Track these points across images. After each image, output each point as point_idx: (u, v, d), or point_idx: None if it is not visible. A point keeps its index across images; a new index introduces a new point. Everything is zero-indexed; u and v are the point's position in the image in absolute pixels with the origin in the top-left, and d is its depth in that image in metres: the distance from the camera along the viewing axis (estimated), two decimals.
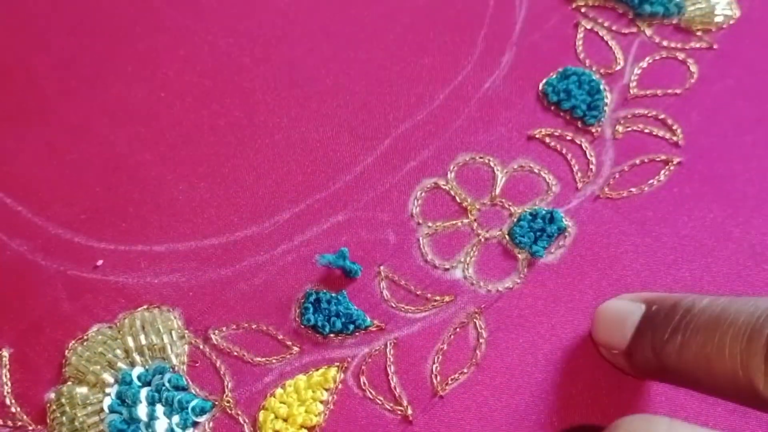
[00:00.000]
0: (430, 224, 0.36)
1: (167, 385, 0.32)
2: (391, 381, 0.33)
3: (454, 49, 0.42)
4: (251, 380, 0.33)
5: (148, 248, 0.36)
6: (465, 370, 0.33)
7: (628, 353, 0.29)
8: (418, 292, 0.34)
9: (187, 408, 0.32)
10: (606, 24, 0.42)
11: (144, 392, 0.32)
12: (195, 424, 0.32)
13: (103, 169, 0.39)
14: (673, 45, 0.41)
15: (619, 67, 0.41)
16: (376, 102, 0.40)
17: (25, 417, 0.33)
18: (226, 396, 0.33)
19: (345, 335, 0.33)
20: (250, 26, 0.43)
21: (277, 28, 0.43)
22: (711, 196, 0.36)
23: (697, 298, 0.27)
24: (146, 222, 0.37)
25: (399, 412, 0.32)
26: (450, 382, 0.32)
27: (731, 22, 0.42)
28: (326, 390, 0.32)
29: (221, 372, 0.33)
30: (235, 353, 0.33)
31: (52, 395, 0.33)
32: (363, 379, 0.33)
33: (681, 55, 0.41)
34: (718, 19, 0.42)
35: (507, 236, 0.36)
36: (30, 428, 0.32)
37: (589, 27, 0.42)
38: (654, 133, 0.38)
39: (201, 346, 0.34)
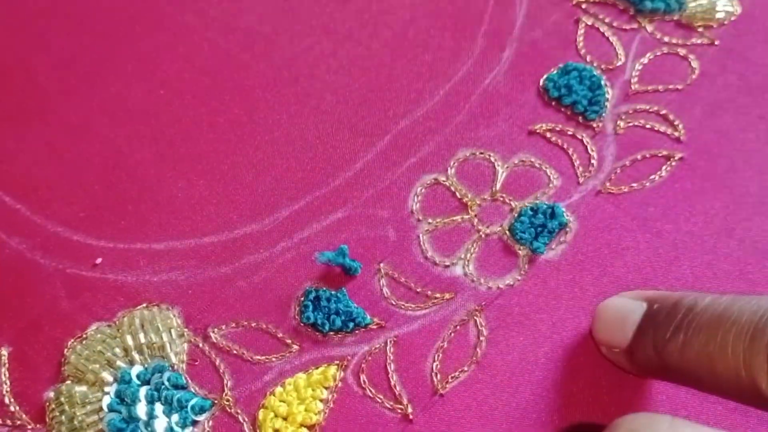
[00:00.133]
0: (430, 220, 0.36)
1: (166, 383, 0.32)
2: (391, 379, 0.32)
3: (454, 45, 0.42)
4: (251, 379, 0.33)
5: (147, 246, 0.36)
6: (465, 368, 0.33)
7: (629, 352, 0.29)
8: (418, 290, 0.34)
9: (186, 407, 0.32)
10: (607, 20, 0.42)
11: (143, 391, 0.32)
12: (194, 422, 0.32)
13: (103, 168, 0.39)
14: (674, 41, 0.41)
15: (620, 63, 0.40)
16: (376, 98, 0.40)
17: (24, 416, 0.33)
18: (226, 394, 0.32)
19: (345, 333, 0.33)
20: (250, 24, 0.43)
21: (276, 26, 0.43)
22: (713, 192, 0.36)
23: (699, 297, 0.27)
24: (145, 220, 0.37)
25: (399, 411, 0.32)
26: (450, 380, 0.32)
27: (732, 18, 0.42)
28: (326, 388, 0.32)
29: (221, 370, 0.33)
30: (235, 351, 0.33)
31: (51, 394, 0.33)
32: (363, 377, 0.33)
33: (682, 51, 0.41)
34: (720, 15, 0.42)
35: (508, 232, 0.35)
36: (29, 427, 0.32)
37: (590, 23, 0.42)
38: (655, 129, 0.38)
39: (200, 345, 0.34)
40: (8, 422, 0.33)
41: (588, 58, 0.41)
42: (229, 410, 0.32)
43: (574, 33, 0.42)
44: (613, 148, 0.38)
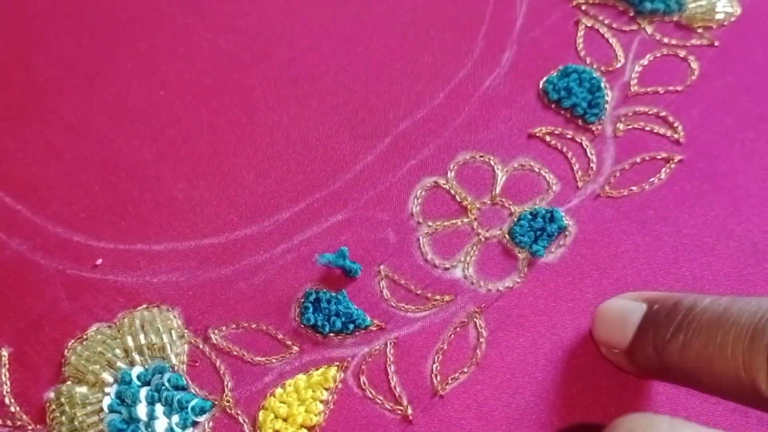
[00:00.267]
0: (430, 223, 0.36)
1: (167, 384, 0.32)
2: (391, 380, 0.32)
3: (454, 47, 0.42)
4: (251, 380, 0.33)
5: (147, 247, 0.36)
6: (465, 370, 0.33)
7: (629, 352, 0.29)
8: (418, 292, 0.34)
9: (186, 407, 0.32)
10: (606, 21, 0.42)
11: (143, 392, 0.32)
12: (195, 423, 0.32)
13: (103, 168, 0.39)
14: (674, 42, 0.41)
15: (619, 65, 0.41)
16: (376, 100, 0.40)
17: (24, 416, 0.33)
18: (226, 395, 0.32)
19: (345, 335, 0.33)
20: (250, 24, 0.43)
21: (277, 27, 0.43)
22: (712, 194, 0.36)
23: (698, 298, 0.27)
24: (145, 221, 0.37)
25: (399, 412, 0.32)
26: (450, 381, 0.32)
27: (732, 19, 0.42)
28: (326, 389, 0.32)
29: (221, 371, 0.33)
30: (235, 353, 0.33)
31: (52, 395, 0.33)
32: (363, 378, 0.33)
33: (682, 53, 0.41)
34: (719, 16, 0.42)
35: (507, 235, 0.35)
36: (29, 428, 0.32)
37: (589, 24, 0.42)
38: (655, 131, 0.38)
39: (201, 346, 0.34)
40: (9, 423, 0.33)
41: (588, 60, 0.41)
42: (229, 411, 0.32)
43: (574, 34, 0.42)
44: (612, 151, 0.38)
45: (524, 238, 0.35)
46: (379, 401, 0.32)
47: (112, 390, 0.33)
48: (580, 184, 0.37)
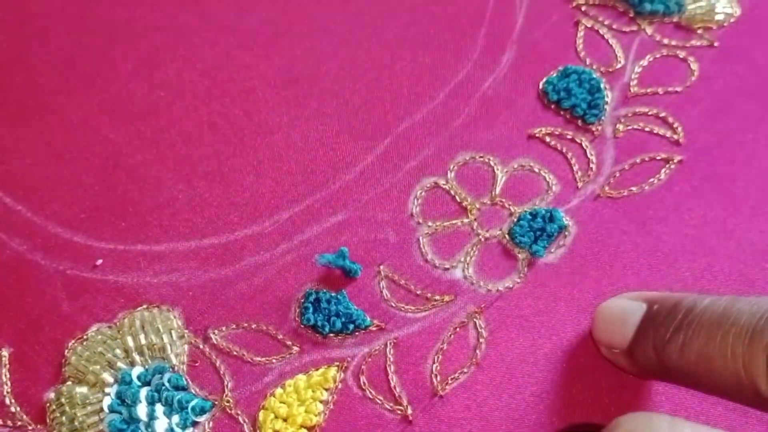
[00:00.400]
0: (430, 224, 0.36)
1: (167, 384, 0.32)
2: (390, 381, 0.32)
3: (454, 48, 0.42)
4: (251, 380, 0.33)
5: (147, 248, 0.36)
6: (465, 370, 0.33)
7: (629, 352, 0.29)
8: (418, 292, 0.34)
9: (186, 408, 0.32)
10: (606, 22, 0.42)
11: (144, 392, 0.32)
12: (195, 423, 0.32)
13: (103, 168, 0.39)
14: (673, 43, 0.41)
15: (619, 66, 0.41)
16: (376, 101, 0.40)
17: (24, 416, 0.33)
18: (226, 396, 0.32)
19: (345, 335, 0.33)
20: (250, 25, 0.43)
21: (277, 27, 0.43)
22: (712, 195, 0.36)
23: (698, 298, 0.27)
24: (146, 221, 0.37)
25: (399, 412, 0.32)
26: (450, 381, 0.32)
27: (732, 20, 0.42)
28: (326, 390, 0.32)
29: (221, 372, 0.33)
30: (235, 353, 0.33)
31: (52, 395, 0.33)
32: (363, 378, 0.33)
33: (682, 53, 0.41)
34: (719, 17, 0.42)
35: (507, 236, 0.35)
36: (30, 428, 0.32)
37: (589, 25, 0.42)
38: (655, 132, 0.38)
39: (201, 346, 0.34)
40: (9, 423, 0.33)
41: (587, 61, 0.41)
42: (229, 411, 0.32)
43: (574, 35, 0.42)
44: (612, 152, 0.38)
45: (524, 238, 0.35)
46: (379, 401, 0.32)
47: (112, 390, 0.33)
48: (579, 184, 0.37)
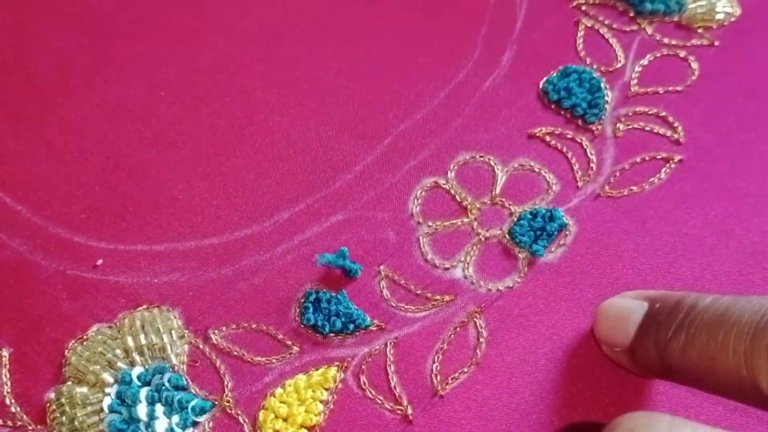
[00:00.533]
0: (430, 223, 0.36)
1: (167, 384, 0.32)
2: (391, 380, 0.32)
3: (454, 48, 0.42)
4: (251, 380, 0.33)
5: (147, 248, 0.36)
6: (465, 370, 0.33)
7: (630, 351, 0.29)
8: (418, 292, 0.34)
9: (186, 408, 0.32)
10: (607, 22, 0.42)
11: (144, 392, 0.32)
12: (195, 423, 0.32)
13: (103, 169, 0.39)
14: (674, 43, 0.41)
15: (619, 65, 0.41)
16: (377, 101, 0.40)
17: (24, 417, 0.33)
18: (226, 396, 0.32)
19: (345, 335, 0.33)
20: (250, 25, 0.43)
21: (277, 27, 0.43)
22: (712, 194, 0.36)
23: (700, 297, 0.27)
24: (146, 221, 0.37)
25: (399, 412, 0.32)
26: (450, 381, 0.32)
27: (732, 19, 0.42)
28: (326, 390, 0.32)
29: (221, 372, 0.33)
30: (235, 353, 0.33)
31: (52, 395, 0.33)
32: (363, 378, 0.33)
33: (682, 53, 0.41)
34: (719, 16, 0.42)
35: (507, 235, 0.35)
36: (30, 428, 0.32)
37: (589, 25, 0.42)
38: (655, 131, 0.38)
39: (201, 346, 0.34)
40: (9, 423, 0.33)
41: (588, 60, 0.41)
42: (229, 411, 0.32)
43: (574, 35, 0.42)
44: (612, 151, 0.38)
45: (524, 237, 0.35)
46: (379, 401, 0.32)
47: (112, 390, 0.33)
48: (580, 183, 0.37)
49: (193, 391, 0.33)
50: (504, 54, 0.41)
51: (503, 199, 0.36)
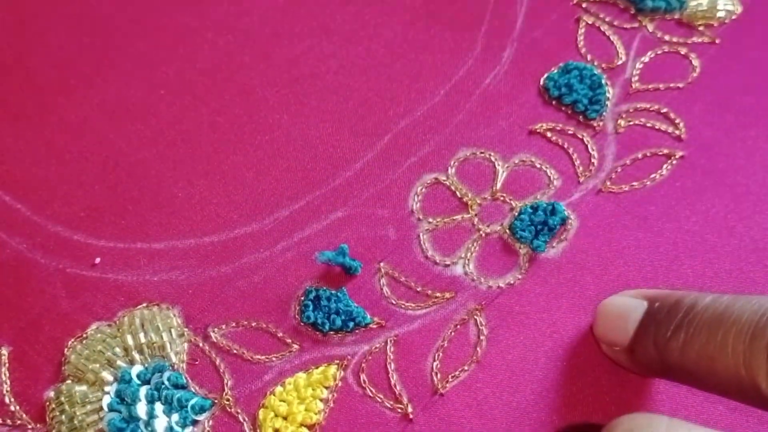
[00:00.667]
0: (430, 220, 0.36)
1: (167, 383, 0.32)
2: (391, 378, 0.32)
3: (454, 45, 0.42)
4: (251, 378, 0.33)
5: (147, 246, 0.36)
6: (465, 368, 0.32)
7: (630, 350, 0.29)
8: (418, 289, 0.34)
9: (186, 406, 0.32)
10: (608, 19, 0.42)
11: (143, 390, 0.32)
12: (194, 422, 0.32)
13: (102, 167, 0.39)
14: (675, 40, 0.41)
15: (620, 62, 0.40)
16: (376, 98, 0.40)
17: (24, 415, 0.33)
18: (226, 394, 0.32)
19: (345, 333, 0.33)
20: (250, 24, 0.43)
21: (276, 26, 0.43)
22: (713, 191, 0.36)
23: (699, 296, 0.27)
24: (145, 219, 0.37)
25: (399, 410, 0.32)
26: (450, 379, 0.32)
27: (733, 16, 0.42)
28: (326, 388, 0.32)
29: (221, 370, 0.33)
30: (235, 351, 0.33)
31: (52, 393, 0.33)
32: (363, 376, 0.32)
33: (683, 50, 0.41)
34: (721, 14, 0.42)
35: (508, 231, 0.35)
36: (29, 427, 0.32)
37: (590, 22, 0.42)
38: (656, 127, 0.38)
39: (200, 344, 0.34)
40: (8, 422, 0.33)
41: (588, 57, 0.41)
42: (229, 410, 0.32)
43: (575, 32, 0.42)
44: (613, 147, 0.38)
45: (525, 233, 0.35)
46: (379, 399, 0.32)
47: (111, 389, 0.33)
48: (581, 179, 0.37)
49: (192, 389, 0.33)
50: (505, 51, 0.41)
51: (504, 195, 0.36)
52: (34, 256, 0.36)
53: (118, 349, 0.33)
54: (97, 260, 0.36)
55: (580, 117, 0.38)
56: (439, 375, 0.32)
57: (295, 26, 0.43)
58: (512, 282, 0.34)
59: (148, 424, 0.32)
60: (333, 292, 0.34)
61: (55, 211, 0.37)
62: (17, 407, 0.33)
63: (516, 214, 0.36)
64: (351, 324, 0.33)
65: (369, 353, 0.33)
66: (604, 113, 0.39)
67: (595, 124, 0.38)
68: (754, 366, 0.24)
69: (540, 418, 0.31)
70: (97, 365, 0.33)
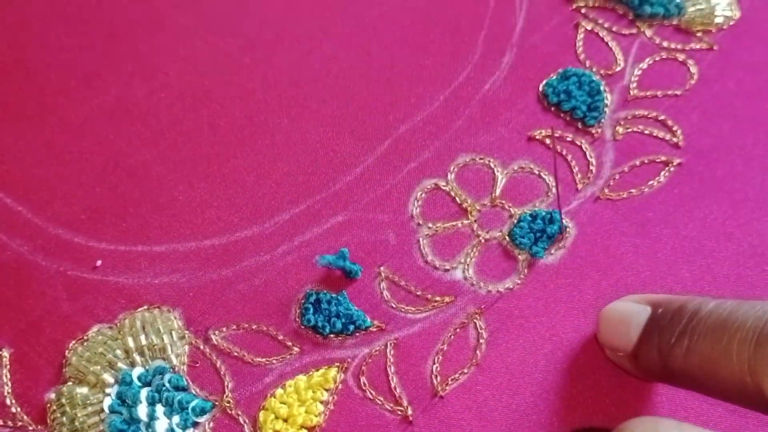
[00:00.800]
0: (430, 225, 0.36)
1: (167, 385, 0.32)
2: (391, 381, 0.33)
3: (454, 50, 0.42)
4: (251, 380, 0.33)
5: (148, 248, 0.36)
6: (465, 371, 0.33)
7: (633, 355, 0.29)
8: (418, 293, 0.34)
9: (187, 408, 0.32)
10: (606, 25, 0.42)
11: (144, 392, 0.32)
12: (195, 424, 0.32)
13: (103, 169, 0.39)
14: (673, 46, 0.41)
15: (619, 68, 0.41)
16: (377, 103, 0.40)
17: (25, 417, 0.33)
18: (227, 396, 0.32)
19: (345, 336, 0.33)
20: (251, 27, 0.43)
21: (277, 29, 0.43)
22: (711, 197, 0.36)
23: (703, 301, 0.27)
24: (146, 222, 0.37)
25: (399, 413, 0.32)
26: (450, 382, 0.32)
27: (731, 23, 0.42)
28: (326, 390, 0.32)
29: (221, 372, 0.33)
30: (236, 353, 0.33)
31: (53, 395, 0.33)
32: (363, 379, 0.33)
33: (681, 56, 0.41)
34: (719, 20, 0.42)
35: (507, 237, 0.36)
36: (30, 428, 0.32)
37: (589, 28, 0.42)
38: (654, 134, 0.38)
39: (201, 347, 0.34)
40: (9, 423, 0.33)
41: (587, 63, 0.41)
42: (229, 412, 0.32)
43: (574, 38, 0.42)
44: (611, 154, 0.38)
45: (524, 239, 0.35)
46: (379, 402, 0.32)
47: (112, 391, 0.33)
48: (579, 186, 0.37)
49: (193, 391, 0.33)
50: (504, 57, 0.41)
51: (503, 201, 0.37)
52: (35, 258, 0.36)
53: (119, 351, 0.34)
54: (99, 263, 0.36)
55: (579, 124, 0.39)
56: (439, 378, 0.32)
57: (296, 30, 0.43)
58: (511, 287, 0.34)
59: (148, 425, 0.32)
60: (333, 295, 0.34)
61: (56, 213, 0.38)
62: (18, 409, 0.33)
63: (515, 221, 0.36)
64: (351, 327, 0.33)
65: (369, 356, 0.33)
66: (602, 120, 0.39)
67: (593, 131, 0.38)
68: (759, 372, 0.24)
69: (539, 421, 0.32)
70: (98, 367, 0.33)
